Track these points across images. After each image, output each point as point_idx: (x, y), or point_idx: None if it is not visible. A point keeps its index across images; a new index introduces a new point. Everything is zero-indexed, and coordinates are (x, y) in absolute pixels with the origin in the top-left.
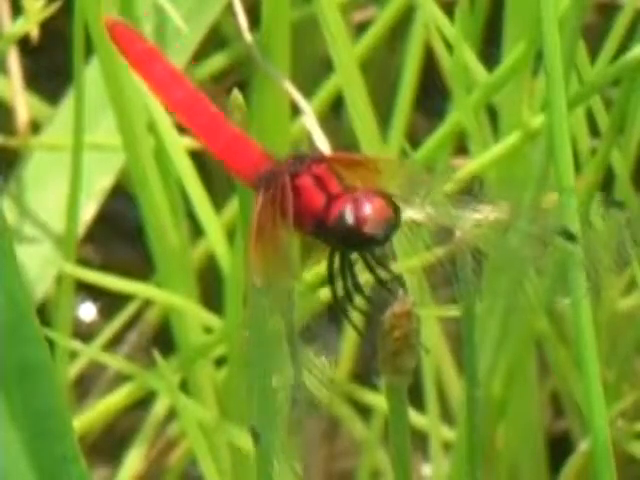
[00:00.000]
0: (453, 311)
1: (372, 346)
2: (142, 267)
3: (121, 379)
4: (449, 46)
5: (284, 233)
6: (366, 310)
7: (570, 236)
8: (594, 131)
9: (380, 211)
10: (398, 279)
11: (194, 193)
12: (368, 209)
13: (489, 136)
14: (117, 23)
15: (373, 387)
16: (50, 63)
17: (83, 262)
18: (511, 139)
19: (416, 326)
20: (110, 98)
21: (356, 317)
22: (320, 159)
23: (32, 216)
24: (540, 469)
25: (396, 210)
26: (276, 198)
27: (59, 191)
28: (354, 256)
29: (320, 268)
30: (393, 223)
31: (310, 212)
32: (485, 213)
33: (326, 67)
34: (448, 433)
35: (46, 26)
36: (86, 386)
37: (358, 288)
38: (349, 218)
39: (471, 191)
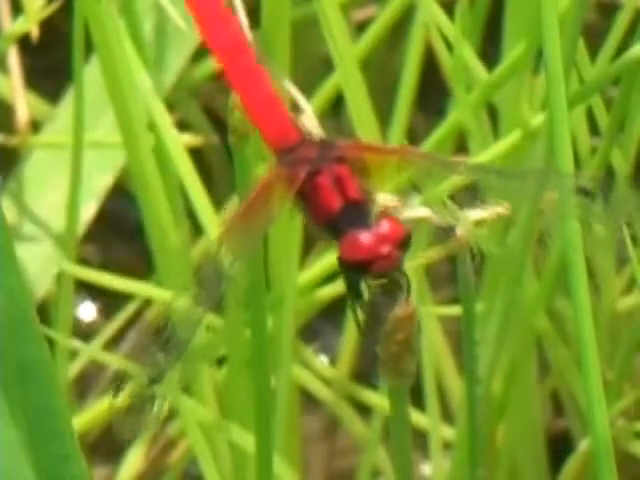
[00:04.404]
0: (453, 310)
1: (373, 347)
2: (142, 266)
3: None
4: (449, 45)
5: (269, 216)
6: (371, 308)
7: (587, 193)
8: (594, 130)
9: (390, 255)
10: (402, 280)
11: (194, 192)
12: (379, 251)
13: (489, 135)
14: None
15: (373, 387)
16: (50, 62)
17: (83, 261)
18: (511, 138)
19: (417, 330)
20: (110, 97)
21: (359, 316)
22: (343, 158)
23: (32, 215)
24: (540, 468)
25: (407, 241)
26: (287, 185)
27: (59, 190)
28: None
29: (318, 268)
30: (401, 261)
31: (324, 211)
32: (486, 211)
33: (326, 66)
34: (448, 432)
35: (46, 25)
36: (86, 385)
37: (367, 286)
38: (359, 255)
39: (472, 189)
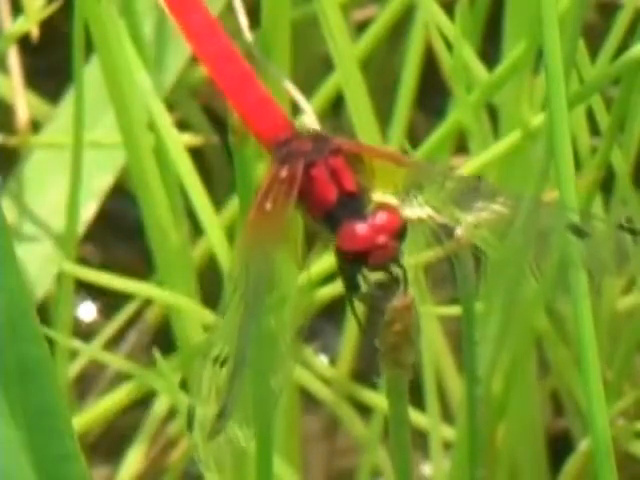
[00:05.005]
0: (453, 310)
1: (373, 341)
2: (142, 266)
3: (121, 378)
4: (449, 45)
5: (284, 212)
6: (369, 300)
7: (579, 231)
8: (594, 130)
9: (387, 245)
10: (400, 273)
11: (194, 192)
12: (376, 241)
13: (489, 135)
14: None
15: (373, 387)
16: (50, 62)
17: (83, 261)
18: (511, 138)
19: (415, 320)
20: (110, 97)
21: (359, 313)
22: (338, 150)
23: (32, 215)
24: (540, 468)
25: (404, 231)
26: (286, 180)
27: (59, 190)
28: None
29: (318, 268)
30: (398, 252)
31: (320, 203)
32: (486, 211)
33: (326, 66)
34: (448, 432)
35: (46, 25)
36: (86, 385)
37: (364, 279)
38: (356, 246)
39: (472, 189)
